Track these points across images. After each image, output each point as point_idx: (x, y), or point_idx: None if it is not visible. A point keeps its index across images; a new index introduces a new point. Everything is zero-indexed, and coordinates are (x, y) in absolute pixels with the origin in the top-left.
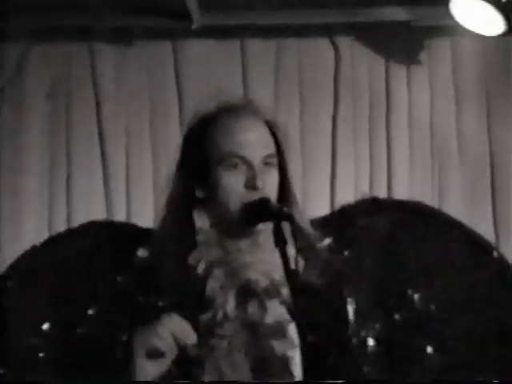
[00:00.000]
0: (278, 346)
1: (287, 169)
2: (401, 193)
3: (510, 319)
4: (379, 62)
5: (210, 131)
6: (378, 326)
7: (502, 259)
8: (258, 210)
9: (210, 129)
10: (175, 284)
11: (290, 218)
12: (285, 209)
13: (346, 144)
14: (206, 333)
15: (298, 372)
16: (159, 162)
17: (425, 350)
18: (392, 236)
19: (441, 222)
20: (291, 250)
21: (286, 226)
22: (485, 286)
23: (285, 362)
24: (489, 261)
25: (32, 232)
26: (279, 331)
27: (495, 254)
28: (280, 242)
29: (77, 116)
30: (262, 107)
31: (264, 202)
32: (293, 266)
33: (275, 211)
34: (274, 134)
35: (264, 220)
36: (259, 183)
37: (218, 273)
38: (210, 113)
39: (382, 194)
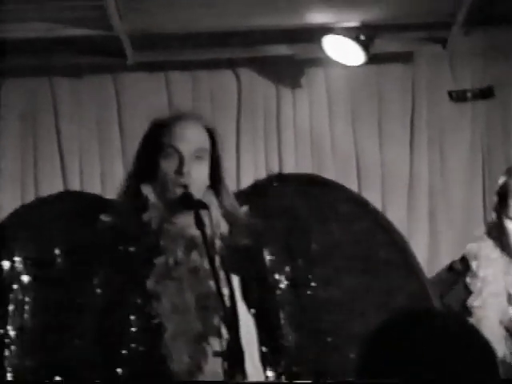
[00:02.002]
0: (213, 285)
1: (220, 163)
2: None
3: (379, 249)
4: (271, 87)
5: (158, 131)
6: (287, 268)
7: (375, 210)
8: (183, 202)
9: (159, 129)
10: (135, 236)
11: (205, 207)
12: (201, 200)
13: (249, 152)
14: (160, 275)
15: (228, 304)
16: (106, 169)
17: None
18: (293, 201)
19: (328, 187)
20: (218, 217)
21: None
22: (363, 231)
23: (220, 297)
24: (366, 212)
25: None
26: (215, 274)
27: (370, 206)
28: (199, 224)
29: (41, 136)
30: (205, 117)
31: (187, 195)
32: (219, 228)
33: (194, 203)
34: (211, 137)
35: (188, 209)
36: (185, 170)
37: (168, 228)
38: (162, 118)
39: None
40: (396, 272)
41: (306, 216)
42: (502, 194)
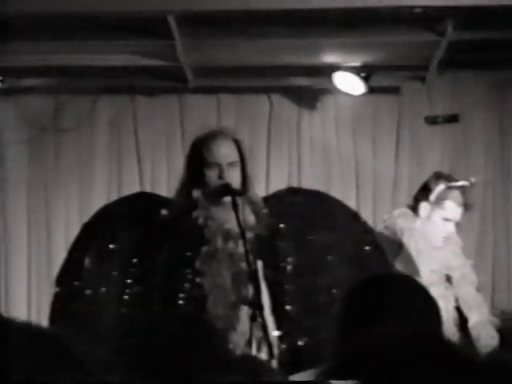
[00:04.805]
0: (244, 266)
1: (247, 168)
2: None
3: (363, 247)
4: (294, 109)
5: (200, 148)
6: (293, 258)
7: (365, 223)
8: (222, 189)
9: (201, 146)
10: (188, 227)
11: (239, 194)
12: (237, 188)
13: (276, 159)
14: (205, 258)
15: (262, 282)
16: (170, 173)
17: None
18: (301, 208)
19: (330, 202)
20: (248, 213)
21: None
22: (353, 235)
23: (253, 273)
24: (356, 221)
25: None
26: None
27: (362, 219)
28: (235, 208)
29: (123, 144)
30: (232, 130)
31: (226, 185)
32: (247, 220)
33: (231, 189)
34: (238, 147)
35: (226, 195)
36: (224, 175)
37: (211, 223)
38: (201, 136)
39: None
40: (375, 264)
41: (311, 222)
42: (438, 198)
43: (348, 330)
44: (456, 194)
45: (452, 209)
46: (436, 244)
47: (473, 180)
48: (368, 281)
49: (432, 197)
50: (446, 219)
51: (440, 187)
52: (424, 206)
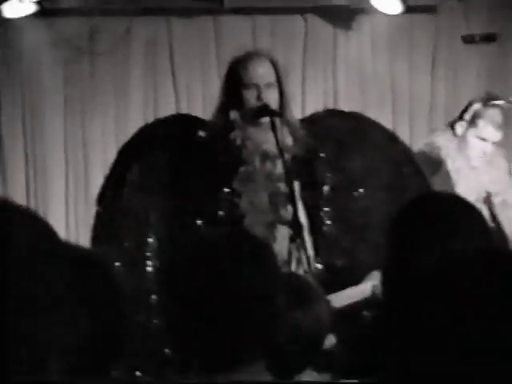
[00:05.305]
0: (282, 186)
1: (284, 89)
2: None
3: (402, 172)
4: (330, 29)
5: (237, 69)
6: (330, 178)
7: (403, 143)
8: (261, 110)
9: (237, 67)
10: (225, 148)
11: (278, 115)
12: (276, 109)
13: (311, 81)
14: (243, 178)
15: (299, 203)
16: (206, 93)
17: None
18: (338, 129)
19: (365, 121)
20: (286, 134)
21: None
22: (392, 159)
23: (288, 196)
24: (394, 143)
25: None
26: (284, 178)
27: (399, 139)
28: (273, 128)
29: (159, 66)
30: (269, 52)
31: (265, 105)
32: (285, 142)
33: (270, 110)
34: (275, 68)
35: (264, 115)
36: (263, 96)
37: (248, 144)
38: (239, 56)
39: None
40: (413, 184)
41: (348, 144)
42: (474, 116)
43: (403, 253)
44: (492, 113)
45: (486, 128)
46: (473, 163)
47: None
48: (416, 202)
49: (467, 115)
50: (482, 138)
51: (476, 106)
52: (460, 124)
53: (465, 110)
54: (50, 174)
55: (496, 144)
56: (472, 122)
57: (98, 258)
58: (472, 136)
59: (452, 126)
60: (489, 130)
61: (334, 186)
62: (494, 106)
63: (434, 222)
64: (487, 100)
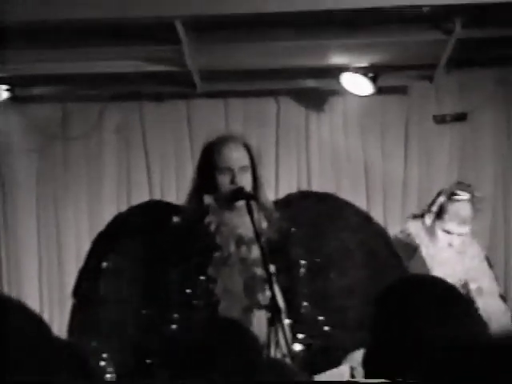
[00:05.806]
0: (259, 271)
1: (258, 172)
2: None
3: (378, 251)
4: (302, 111)
5: (211, 153)
6: (305, 261)
7: (377, 224)
8: (236, 194)
9: (211, 152)
10: (200, 233)
11: (254, 198)
12: (251, 193)
13: (285, 163)
14: (218, 264)
15: (273, 287)
16: (179, 179)
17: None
18: (312, 211)
19: (339, 202)
20: (261, 217)
21: (254, 204)
22: (366, 238)
23: (264, 280)
24: (369, 224)
25: None
26: (260, 262)
27: (374, 220)
28: (250, 211)
29: (132, 151)
30: (242, 135)
31: (240, 189)
32: (260, 225)
33: (245, 193)
34: (249, 152)
35: (240, 199)
36: (237, 180)
37: (223, 228)
38: (211, 141)
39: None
40: (389, 266)
41: (322, 225)
42: (440, 209)
43: (387, 334)
44: (457, 208)
45: (451, 222)
46: (442, 253)
47: (478, 195)
48: (402, 283)
49: (434, 207)
50: (447, 232)
51: (441, 199)
52: (428, 216)
53: (432, 203)
54: (23, 262)
55: (465, 235)
56: (438, 215)
57: (76, 348)
58: (439, 228)
59: (422, 215)
60: (453, 224)
61: (309, 267)
62: (460, 200)
63: (418, 304)
64: (452, 195)
